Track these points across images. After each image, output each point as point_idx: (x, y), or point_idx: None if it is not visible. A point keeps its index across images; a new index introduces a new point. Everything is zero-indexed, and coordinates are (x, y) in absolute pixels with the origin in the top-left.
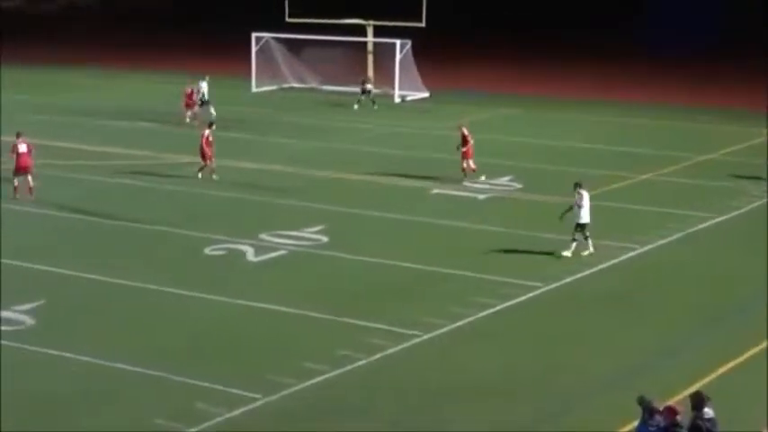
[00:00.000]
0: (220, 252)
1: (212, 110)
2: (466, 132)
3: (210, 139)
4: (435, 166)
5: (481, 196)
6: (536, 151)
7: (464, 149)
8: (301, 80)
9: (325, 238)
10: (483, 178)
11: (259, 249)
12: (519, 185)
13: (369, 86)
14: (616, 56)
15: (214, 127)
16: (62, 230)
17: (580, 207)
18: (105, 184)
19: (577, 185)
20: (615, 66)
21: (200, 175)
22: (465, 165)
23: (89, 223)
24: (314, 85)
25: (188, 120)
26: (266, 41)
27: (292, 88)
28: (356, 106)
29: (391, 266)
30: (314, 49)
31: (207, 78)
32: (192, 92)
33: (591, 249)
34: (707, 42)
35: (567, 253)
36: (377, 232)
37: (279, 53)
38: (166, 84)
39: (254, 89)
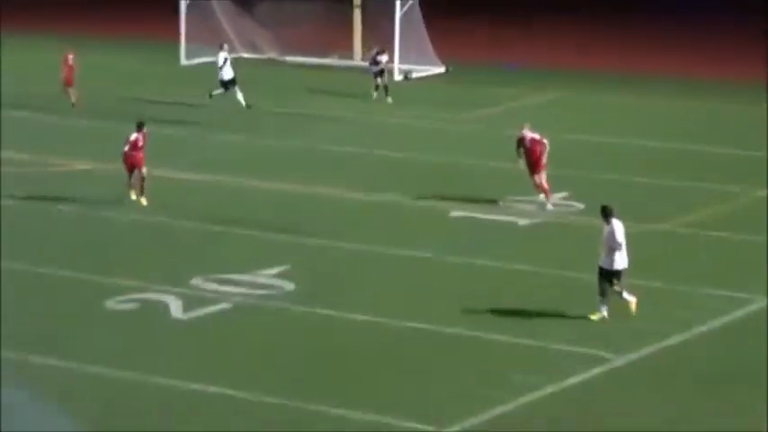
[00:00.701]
0: (131, 306)
1: (240, 97)
2: (534, 136)
3: (141, 144)
4: (457, 177)
5: (522, 221)
6: (600, 153)
7: (534, 161)
8: (254, 48)
9: (289, 285)
10: (554, 200)
11: (190, 302)
12: (579, 205)
13: (383, 60)
14: (708, 17)
15: (146, 129)
16: None
17: (613, 249)
18: None
19: (607, 214)
20: (710, 31)
21: (133, 196)
22: (538, 181)
23: None
24: (272, 54)
25: (73, 100)
26: None
27: (241, 60)
28: (375, 94)
29: (389, 329)
30: (273, 4)
31: (227, 47)
32: (71, 61)
33: (632, 301)
34: None
35: (596, 317)
36: (368, 275)
37: (220, 9)
38: (42, 52)
39: (183, 61)
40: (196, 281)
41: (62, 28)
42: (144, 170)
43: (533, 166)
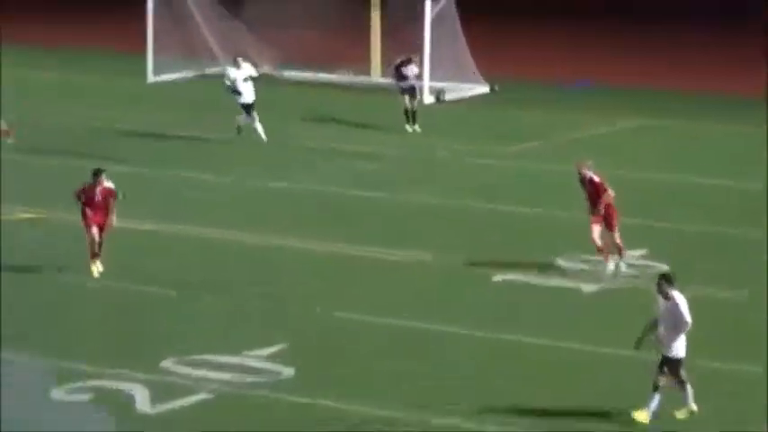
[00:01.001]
0: (84, 396)
1: (258, 125)
2: (594, 177)
3: (98, 197)
4: (501, 229)
5: (588, 287)
6: (689, 198)
7: (598, 210)
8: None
9: (286, 370)
10: (619, 259)
11: (159, 391)
12: (660, 266)
13: (412, 72)
14: None
15: (105, 180)
16: None
17: (673, 329)
18: None
19: (664, 283)
20: None
21: (96, 270)
22: (597, 236)
23: None
24: (266, 69)
25: (4, 128)
26: None
27: (223, 74)
28: (408, 128)
29: (413, 427)
30: (266, 4)
31: (240, 61)
32: None
33: (693, 406)
34: None
35: (641, 416)
36: (385, 358)
37: (199, 11)
38: None
39: (150, 77)
40: (167, 363)
41: None
42: (104, 233)
43: (607, 217)
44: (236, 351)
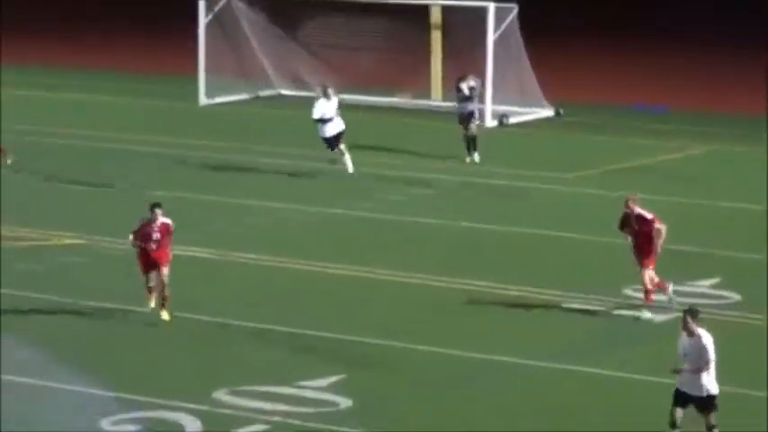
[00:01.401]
0: (134, 428)
1: (347, 159)
2: (644, 214)
3: (156, 235)
4: (570, 257)
5: (658, 317)
6: (761, 227)
7: (640, 248)
8: (297, 83)
9: (345, 401)
10: (670, 291)
11: (211, 422)
12: (735, 296)
13: (468, 86)
14: None
15: (163, 215)
16: None
17: (701, 369)
18: None
19: (689, 318)
20: None
21: (152, 304)
22: (646, 278)
23: None
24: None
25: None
26: (227, 5)
27: (279, 98)
28: (468, 159)
29: None
30: (322, 25)
31: (330, 91)
32: None
33: None
34: None
35: None
36: (449, 390)
37: (252, 32)
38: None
39: (203, 100)
40: (219, 394)
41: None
42: (165, 271)
43: (640, 256)
44: (292, 382)
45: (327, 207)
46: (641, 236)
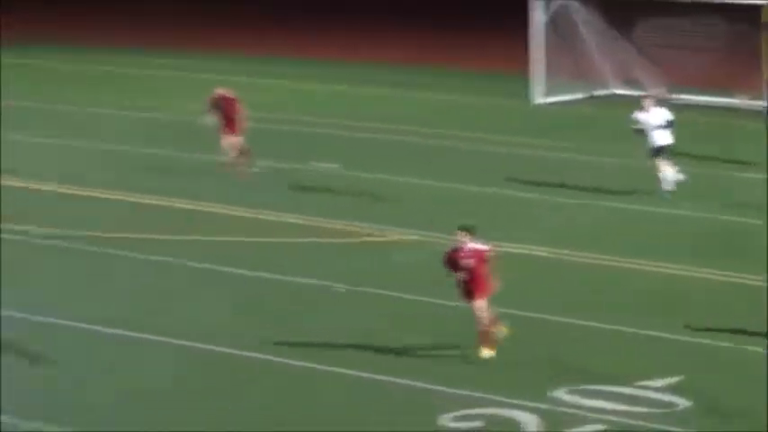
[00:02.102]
0: (473, 424)
1: (667, 171)
2: None
3: (473, 264)
4: None
5: None
6: None
7: None
8: (631, 82)
9: (683, 402)
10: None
11: (549, 420)
12: None
13: None
14: None
15: (475, 242)
16: None
17: None
18: None
19: None
20: None
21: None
22: None
23: None
24: (655, 91)
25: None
26: (563, 5)
27: (612, 97)
28: None
29: None
30: (658, 26)
31: (647, 104)
32: (226, 98)
33: None
34: None
35: None
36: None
37: (590, 33)
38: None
39: (536, 99)
40: (558, 393)
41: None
42: (479, 304)
43: None
44: (629, 382)
45: (654, 207)
46: None
